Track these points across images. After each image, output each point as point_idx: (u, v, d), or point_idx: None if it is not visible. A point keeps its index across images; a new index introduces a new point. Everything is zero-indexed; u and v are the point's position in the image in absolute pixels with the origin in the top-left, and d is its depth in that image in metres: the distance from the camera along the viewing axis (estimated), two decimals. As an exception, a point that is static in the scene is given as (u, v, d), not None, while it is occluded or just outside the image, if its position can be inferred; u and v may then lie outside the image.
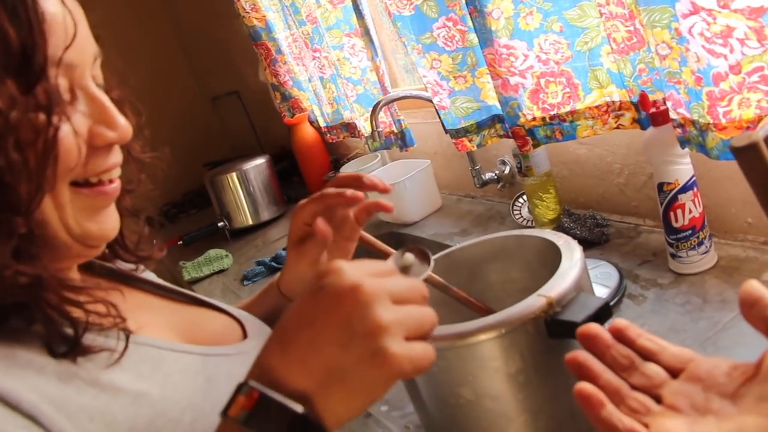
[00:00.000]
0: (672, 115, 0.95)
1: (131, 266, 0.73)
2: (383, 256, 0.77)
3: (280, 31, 2.18)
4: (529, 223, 1.42)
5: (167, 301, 0.74)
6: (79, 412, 0.49)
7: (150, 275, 0.77)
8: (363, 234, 0.77)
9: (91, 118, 0.54)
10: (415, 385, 0.74)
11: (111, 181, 0.58)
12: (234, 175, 2.22)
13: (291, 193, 2.41)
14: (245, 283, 1.77)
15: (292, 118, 2.32)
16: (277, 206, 2.29)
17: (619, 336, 0.53)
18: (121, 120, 0.55)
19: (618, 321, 0.54)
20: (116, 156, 0.58)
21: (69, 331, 0.52)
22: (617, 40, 1.03)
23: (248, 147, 2.91)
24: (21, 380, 0.48)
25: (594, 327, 0.53)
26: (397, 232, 1.69)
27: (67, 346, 0.51)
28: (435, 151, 1.82)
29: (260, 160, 2.27)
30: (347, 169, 2.04)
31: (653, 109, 0.99)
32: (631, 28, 0.99)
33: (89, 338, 0.54)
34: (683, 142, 0.95)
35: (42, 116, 0.48)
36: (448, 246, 1.32)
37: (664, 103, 0.99)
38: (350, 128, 2.02)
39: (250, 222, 2.24)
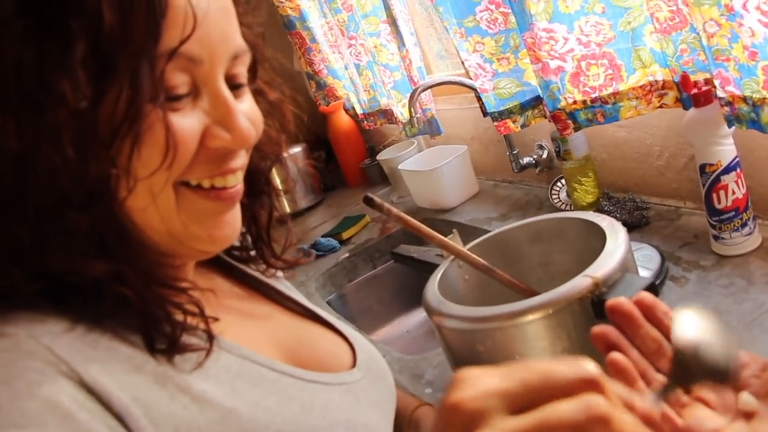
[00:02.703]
0: (719, 93, 0.94)
1: (262, 269, 0.71)
2: (428, 240, 0.79)
3: (315, 20, 2.20)
4: (568, 207, 1.42)
5: (283, 312, 0.71)
6: (167, 419, 0.47)
7: (280, 282, 0.74)
8: (409, 219, 0.79)
9: (211, 117, 0.50)
10: (463, 365, 0.75)
11: (229, 188, 0.54)
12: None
13: (327, 181, 2.43)
14: (285, 269, 1.80)
15: (327, 106, 2.34)
16: (315, 194, 2.32)
17: (648, 313, 0.50)
18: (243, 123, 0.51)
19: (645, 295, 0.51)
20: (236, 161, 0.53)
21: (167, 328, 0.50)
22: (660, 19, 1.02)
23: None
24: (118, 376, 0.46)
25: (626, 304, 0.50)
26: (434, 218, 1.70)
27: (166, 343, 0.50)
28: (471, 136, 1.82)
29: (297, 149, 2.30)
30: (384, 156, 2.05)
31: (695, 90, 0.98)
32: (674, 7, 0.99)
33: (187, 339, 0.51)
34: (731, 121, 0.94)
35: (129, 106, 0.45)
36: (486, 231, 1.33)
37: (706, 83, 0.98)
38: (387, 115, 2.03)
39: (288, 210, 2.27)
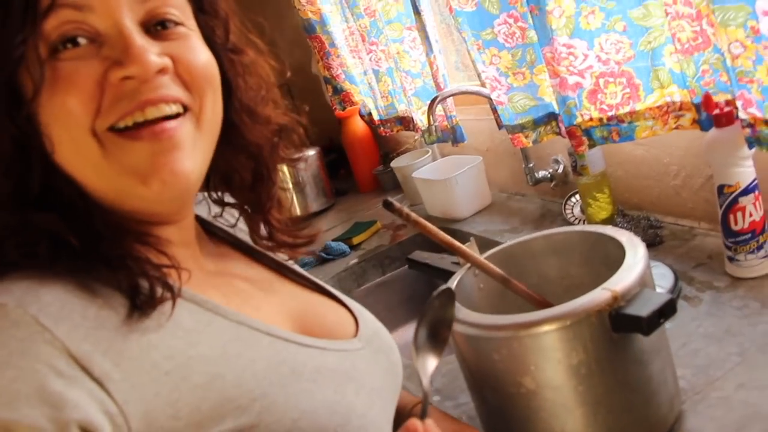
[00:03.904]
0: (741, 115, 0.94)
1: (266, 243, 0.73)
2: (446, 247, 0.79)
3: (336, 24, 2.21)
4: (582, 223, 1.43)
5: (292, 285, 0.74)
6: (147, 385, 0.48)
7: (282, 255, 0.77)
8: (427, 225, 0.79)
9: (112, 57, 0.52)
10: (476, 373, 0.75)
11: (155, 123, 0.53)
12: (284, 166, 2.25)
13: (339, 185, 2.44)
14: (294, 271, 1.81)
15: (343, 111, 2.35)
16: (326, 198, 2.32)
17: None
18: (139, 51, 0.51)
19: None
20: (152, 93, 0.53)
21: (144, 283, 0.52)
22: (682, 39, 1.03)
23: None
24: (102, 343, 0.48)
25: None
26: (446, 227, 1.70)
27: (145, 300, 0.51)
28: (487, 147, 1.82)
29: (310, 152, 2.30)
30: (398, 163, 2.06)
31: (717, 111, 0.99)
32: (698, 28, 0.99)
33: (162, 294, 0.53)
34: (751, 142, 0.95)
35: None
36: (497, 243, 1.33)
37: (728, 104, 0.99)
38: (404, 122, 2.04)
39: (299, 213, 2.28)
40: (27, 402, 0.43)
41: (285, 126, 0.70)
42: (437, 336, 0.69)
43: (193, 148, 0.56)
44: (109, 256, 0.52)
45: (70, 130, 0.51)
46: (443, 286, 0.72)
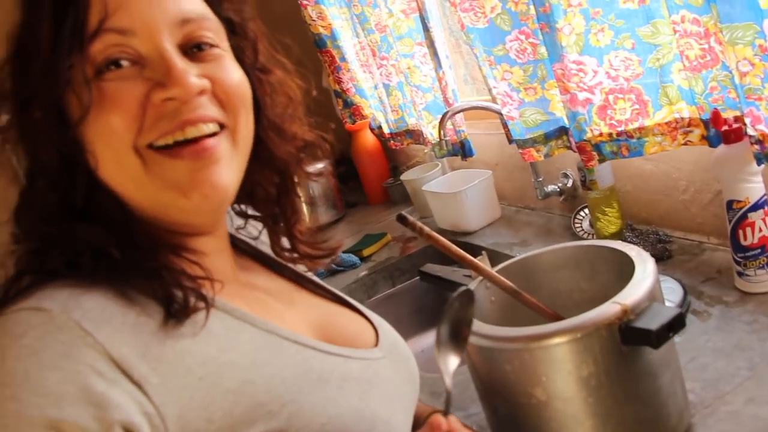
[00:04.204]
0: (750, 131, 0.96)
1: (289, 255, 0.75)
2: (458, 261, 0.80)
3: (347, 39, 2.24)
4: (590, 237, 1.44)
5: (312, 296, 0.76)
6: (183, 388, 0.50)
7: (302, 267, 0.79)
8: (439, 238, 0.80)
9: (154, 78, 0.55)
10: (488, 384, 0.77)
11: (195, 142, 0.56)
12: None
13: (349, 198, 2.45)
14: (305, 283, 1.82)
15: (353, 124, 2.37)
16: (336, 210, 2.34)
17: None
18: (180, 74, 0.54)
19: None
20: (192, 113, 0.56)
21: (178, 293, 0.54)
22: (690, 57, 1.04)
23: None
24: (140, 348, 0.50)
25: None
26: (455, 240, 1.71)
27: (178, 307, 0.54)
28: (496, 162, 1.84)
29: (321, 165, 2.32)
30: (408, 177, 2.08)
31: (725, 127, 1.00)
32: (706, 46, 1.01)
33: (196, 303, 0.55)
34: (760, 159, 0.96)
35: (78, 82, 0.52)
36: (507, 256, 1.34)
37: (737, 121, 1.00)
38: (415, 135, 2.06)
39: (310, 225, 2.28)
40: (73, 402, 0.45)
41: (310, 142, 0.72)
42: (458, 335, 0.72)
43: (230, 162, 0.59)
44: (145, 266, 0.55)
45: (113, 147, 0.54)
46: (463, 288, 0.74)
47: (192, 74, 0.55)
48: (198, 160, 0.56)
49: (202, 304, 0.55)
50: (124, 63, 0.55)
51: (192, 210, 0.58)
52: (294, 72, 0.69)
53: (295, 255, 0.75)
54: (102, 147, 0.54)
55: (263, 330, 0.59)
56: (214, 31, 0.60)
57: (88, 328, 0.48)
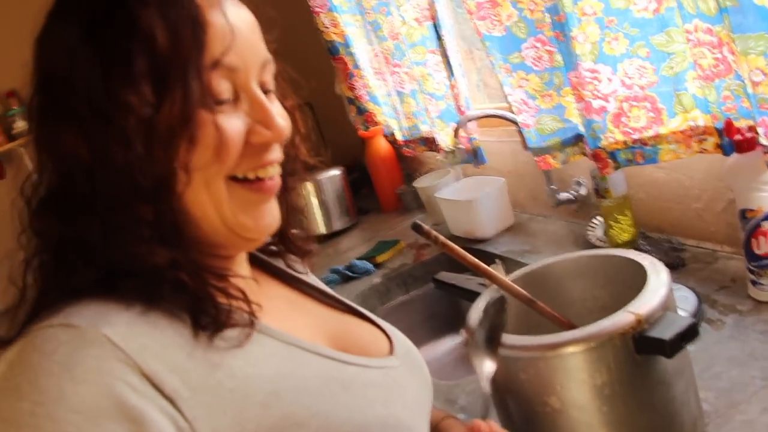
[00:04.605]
0: (762, 141, 0.96)
1: (300, 269, 0.78)
2: (473, 269, 0.81)
3: (360, 47, 2.26)
4: (604, 244, 1.44)
5: (324, 307, 0.77)
6: (215, 402, 0.51)
7: (313, 278, 0.80)
8: (454, 247, 0.81)
9: (251, 117, 0.58)
10: (503, 392, 0.77)
11: (269, 179, 0.61)
12: (308, 184, 2.29)
13: (362, 204, 2.47)
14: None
15: (366, 131, 2.38)
16: (349, 217, 2.36)
17: None
18: (279, 121, 0.59)
19: None
20: (274, 154, 0.61)
21: (213, 310, 0.55)
22: (703, 66, 1.05)
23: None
24: (170, 362, 0.51)
25: None
26: (469, 247, 1.72)
27: (211, 324, 0.54)
28: (509, 169, 1.85)
29: (335, 172, 2.34)
30: (421, 183, 2.09)
31: (738, 136, 1.00)
32: (719, 55, 1.01)
33: (231, 320, 0.56)
34: (774, 168, 0.96)
35: (188, 112, 0.53)
36: (520, 263, 1.35)
37: (750, 130, 1.00)
38: (428, 142, 2.07)
39: (323, 231, 2.31)
40: (110, 418, 0.45)
41: (312, 165, 0.76)
42: (493, 341, 0.74)
43: None
44: (171, 280, 0.55)
45: (208, 175, 0.56)
46: (497, 295, 0.78)
47: (281, 117, 0.60)
48: (267, 195, 0.62)
49: (235, 320, 0.56)
50: (226, 98, 0.57)
51: (255, 236, 0.63)
52: (298, 107, 0.72)
53: (281, 248, 0.77)
54: (197, 174, 0.55)
55: (284, 342, 0.60)
56: (272, 74, 0.63)
57: (119, 343, 0.48)
